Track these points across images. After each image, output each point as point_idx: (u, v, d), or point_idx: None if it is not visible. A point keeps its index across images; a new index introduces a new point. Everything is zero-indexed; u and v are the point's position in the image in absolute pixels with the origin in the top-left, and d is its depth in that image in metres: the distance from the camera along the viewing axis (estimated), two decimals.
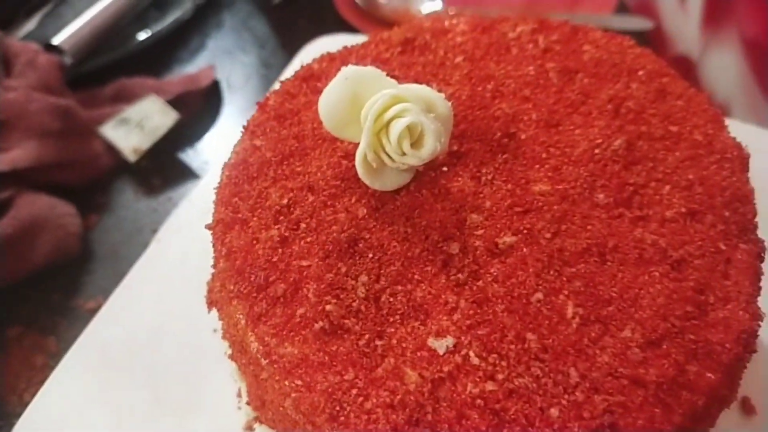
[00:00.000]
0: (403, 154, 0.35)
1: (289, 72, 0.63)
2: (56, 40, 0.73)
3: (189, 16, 0.81)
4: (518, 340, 0.32)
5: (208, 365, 0.45)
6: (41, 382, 0.57)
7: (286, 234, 0.36)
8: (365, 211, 0.37)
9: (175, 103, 0.72)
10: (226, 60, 0.81)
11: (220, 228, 0.37)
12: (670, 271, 0.34)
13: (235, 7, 0.87)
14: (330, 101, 0.36)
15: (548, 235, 0.35)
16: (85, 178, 0.69)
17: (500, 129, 0.40)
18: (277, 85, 0.46)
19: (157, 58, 0.81)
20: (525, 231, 0.35)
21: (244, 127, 0.42)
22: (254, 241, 0.36)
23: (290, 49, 0.82)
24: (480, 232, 0.35)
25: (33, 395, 0.56)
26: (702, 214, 0.36)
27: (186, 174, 0.70)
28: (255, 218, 0.37)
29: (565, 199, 0.37)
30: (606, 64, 0.43)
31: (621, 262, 0.34)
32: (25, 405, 0.55)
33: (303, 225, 0.36)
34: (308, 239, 0.36)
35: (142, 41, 0.77)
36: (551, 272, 0.34)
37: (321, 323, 0.32)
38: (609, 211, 0.36)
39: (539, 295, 0.33)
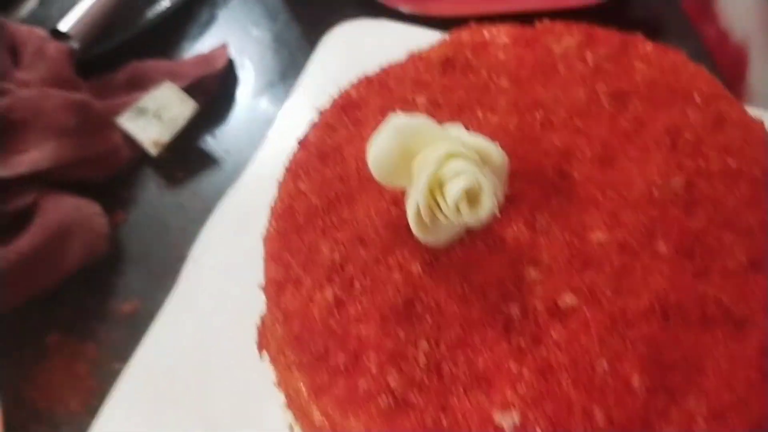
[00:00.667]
0: (459, 213, 0.34)
1: (312, 66, 0.61)
2: (63, 26, 0.69)
3: None
4: (585, 415, 0.31)
5: (258, 395, 0.46)
6: (86, 390, 0.58)
7: (341, 295, 0.35)
8: (419, 267, 0.36)
9: (190, 87, 0.70)
10: (238, 35, 0.78)
11: (274, 288, 0.37)
12: (734, 331, 0.33)
13: None
14: (380, 154, 0.35)
15: (609, 293, 0.34)
16: (106, 172, 0.67)
17: (552, 167, 0.38)
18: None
19: (166, 35, 0.77)
20: (585, 289, 0.35)
21: (286, 168, 0.41)
22: (309, 303, 0.36)
23: (303, 22, 0.78)
24: (539, 290, 0.35)
25: (79, 404, 0.57)
26: (764, 264, 0.35)
27: (208, 164, 0.69)
28: (308, 277, 0.36)
29: (625, 250, 0.36)
30: (660, 86, 0.41)
31: (684, 322, 0.34)
32: (73, 414, 0.57)
33: (357, 284, 0.36)
34: (364, 301, 0.35)
35: (151, 20, 0.74)
36: (614, 336, 0.33)
37: (385, 398, 0.32)
38: (670, 263, 0.35)
39: (604, 363, 0.33)
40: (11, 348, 0.59)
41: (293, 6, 0.79)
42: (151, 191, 0.68)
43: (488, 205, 0.33)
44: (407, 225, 0.36)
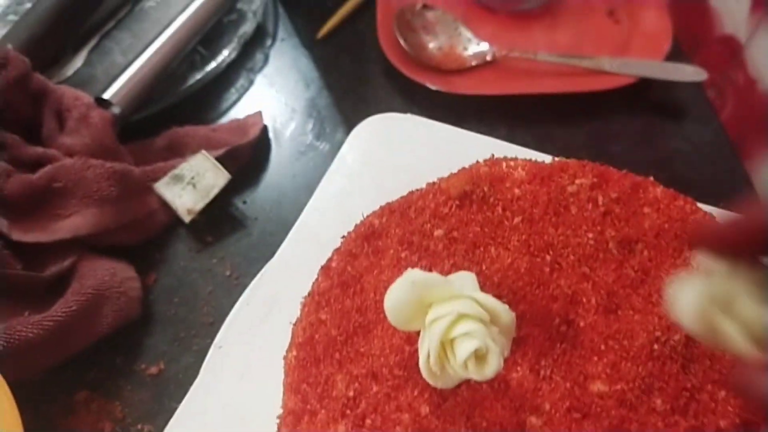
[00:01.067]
0: (467, 369, 0.36)
1: (341, 159, 0.64)
2: (107, 94, 0.73)
3: (236, 55, 0.81)
4: None
5: None
6: None
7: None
8: (428, 408, 0.39)
9: (225, 155, 0.73)
10: (272, 101, 0.81)
11: (291, 419, 0.40)
12: None
13: (278, 42, 0.86)
14: (396, 304, 0.38)
15: None
16: (142, 236, 0.71)
17: (559, 313, 0.41)
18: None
19: (205, 98, 0.81)
20: None
21: (310, 293, 0.44)
22: None
23: (335, 89, 0.81)
24: None
25: None
26: (755, 425, 0.37)
27: (237, 230, 0.72)
28: (323, 410, 0.39)
29: (623, 404, 0.38)
30: (667, 235, 0.43)
31: None
32: None
33: (368, 421, 0.39)
34: None
35: (191, 86, 0.77)
36: None
37: None
38: (665, 419, 0.38)
39: None
40: (40, 402, 0.63)
41: (326, 73, 0.82)
42: (182, 254, 0.71)
43: (494, 364, 0.36)
44: (418, 364, 0.39)
